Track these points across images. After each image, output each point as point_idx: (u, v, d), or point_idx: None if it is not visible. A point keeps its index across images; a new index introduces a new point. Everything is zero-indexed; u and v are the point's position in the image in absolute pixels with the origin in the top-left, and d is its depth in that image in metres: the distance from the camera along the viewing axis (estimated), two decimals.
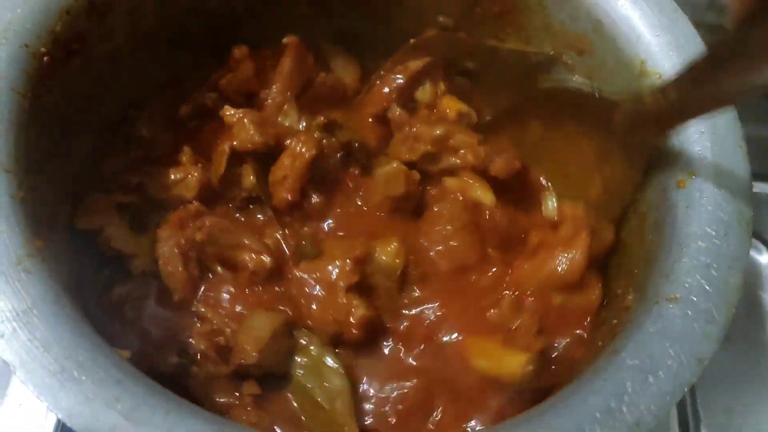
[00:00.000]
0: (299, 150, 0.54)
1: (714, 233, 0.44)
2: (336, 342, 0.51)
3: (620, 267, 0.53)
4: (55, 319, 0.37)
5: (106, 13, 0.51)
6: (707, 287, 0.43)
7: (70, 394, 0.35)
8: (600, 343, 0.47)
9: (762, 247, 0.76)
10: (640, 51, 0.52)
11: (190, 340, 0.50)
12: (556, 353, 0.52)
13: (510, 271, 0.54)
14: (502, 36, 0.63)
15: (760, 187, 0.79)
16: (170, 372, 0.47)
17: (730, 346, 0.71)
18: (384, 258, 0.53)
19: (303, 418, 0.48)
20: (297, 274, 0.53)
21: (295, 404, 0.49)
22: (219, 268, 0.53)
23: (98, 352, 0.37)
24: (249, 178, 0.55)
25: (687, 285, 0.43)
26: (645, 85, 0.51)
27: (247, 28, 0.62)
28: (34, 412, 0.57)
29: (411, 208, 0.57)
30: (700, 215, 0.45)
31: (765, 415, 0.68)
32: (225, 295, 0.53)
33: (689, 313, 0.42)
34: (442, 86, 0.62)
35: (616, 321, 0.47)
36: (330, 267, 0.52)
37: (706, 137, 0.48)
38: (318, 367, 0.49)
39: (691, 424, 0.66)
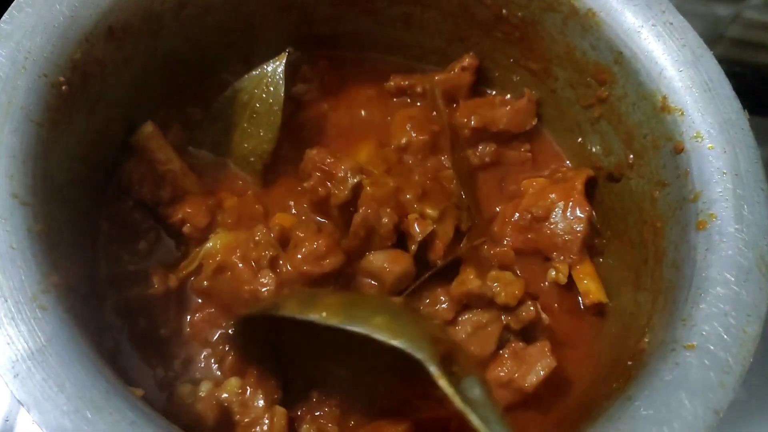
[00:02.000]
0: None
1: (733, 279, 0.44)
2: None
3: (636, 304, 0.53)
4: (69, 357, 0.37)
5: (125, 38, 0.51)
6: (725, 336, 0.42)
7: None
8: (614, 385, 0.47)
9: None
10: (661, 86, 0.51)
11: None
12: None
13: None
14: (523, 62, 0.62)
15: None
16: None
17: (746, 377, 0.71)
18: None
19: None
20: None
21: None
22: None
23: (112, 392, 0.37)
24: None
25: (704, 333, 0.42)
26: (666, 120, 0.51)
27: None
28: None
29: None
30: (720, 260, 0.45)
31: None
32: None
33: (706, 362, 0.41)
34: None
35: (630, 363, 0.47)
36: None
37: (728, 178, 0.47)
38: None
39: None
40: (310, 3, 0.62)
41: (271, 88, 0.57)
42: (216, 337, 0.52)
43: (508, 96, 0.65)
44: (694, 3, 0.88)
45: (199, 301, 0.53)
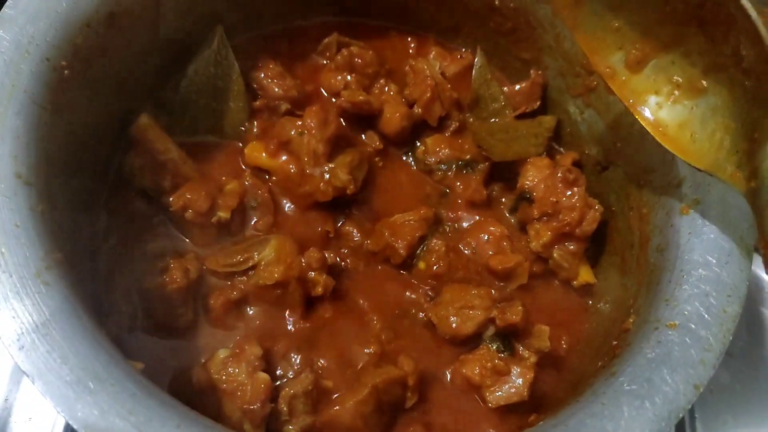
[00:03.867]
0: None
1: (715, 261, 0.45)
2: None
3: (623, 286, 0.54)
4: (72, 331, 0.38)
5: (125, 23, 0.52)
6: (705, 315, 0.44)
7: (85, 406, 0.36)
8: (600, 363, 0.49)
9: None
10: None
11: None
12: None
13: None
14: (515, 52, 0.64)
15: None
16: None
17: (731, 362, 0.73)
18: None
19: None
20: None
21: None
22: None
23: (113, 365, 0.38)
24: None
25: (686, 312, 0.44)
26: None
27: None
28: (43, 425, 0.59)
29: None
30: (703, 243, 0.46)
31: (763, 427, 0.69)
32: None
33: (687, 340, 0.43)
34: None
35: (615, 342, 0.48)
36: None
37: None
38: None
39: None
40: None
41: (223, 62, 0.59)
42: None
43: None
44: None
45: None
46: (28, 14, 0.46)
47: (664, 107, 0.47)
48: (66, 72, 0.47)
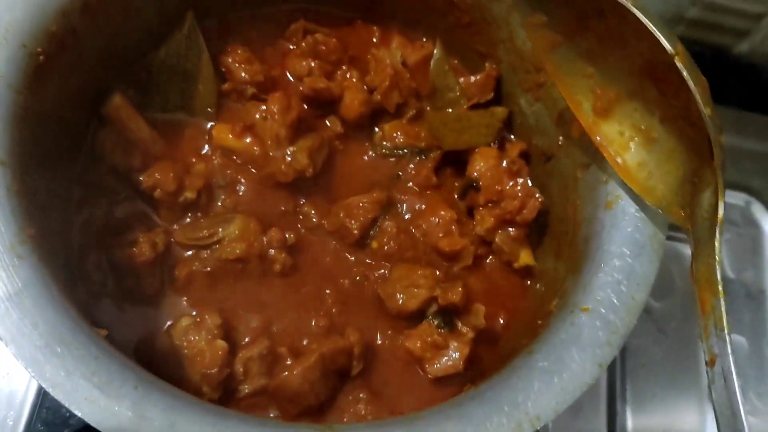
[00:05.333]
0: None
1: (629, 252, 0.50)
2: None
3: (555, 270, 0.59)
4: (42, 300, 0.43)
5: (100, 10, 0.55)
6: (615, 301, 0.49)
7: (53, 368, 0.41)
8: (524, 341, 0.54)
9: None
10: None
11: None
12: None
13: None
14: (472, 44, 0.67)
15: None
16: None
17: (664, 339, 0.79)
18: None
19: None
20: None
21: None
22: None
23: (79, 331, 0.43)
24: None
25: (599, 298, 0.49)
26: None
27: None
28: (20, 381, 0.65)
29: None
30: (620, 235, 0.51)
31: (688, 402, 0.76)
32: None
33: (597, 323, 0.48)
34: None
35: (540, 322, 0.54)
36: None
37: None
38: None
39: (618, 406, 0.73)
40: None
41: (193, 47, 0.62)
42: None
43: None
44: None
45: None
46: (6, 3, 0.49)
47: (627, 148, 0.53)
48: (41, 57, 0.50)
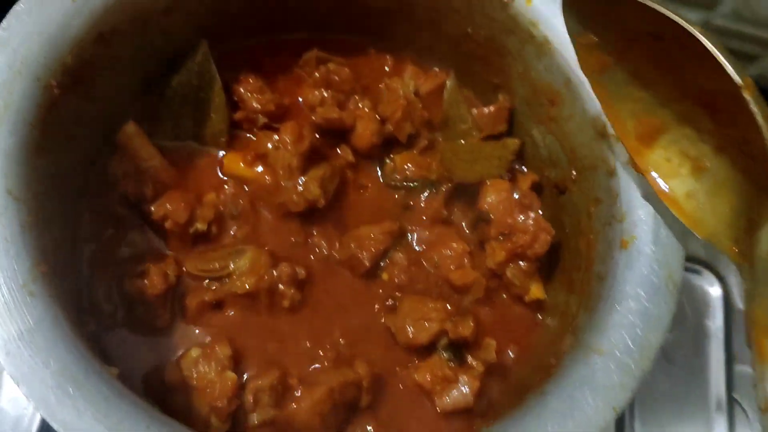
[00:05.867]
0: None
1: (644, 295, 0.50)
2: None
3: (567, 305, 0.59)
4: (54, 338, 0.43)
5: (113, 41, 0.55)
6: (630, 344, 0.48)
7: (64, 408, 0.41)
8: (536, 378, 0.53)
9: (713, 278, 0.81)
10: (602, 114, 0.56)
11: None
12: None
13: None
14: (485, 75, 0.67)
15: None
16: None
17: (673, 369, 0.78)
18: None
19: None
20: None
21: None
22: None
23: (91, 371, 0.43)
24: None
25: (613, 340, 0.49)
26: (603, 145, 0.56)
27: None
28: (26, 405, 0.65)
29: None
30: (635, 277, 0.51)
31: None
32: None
33: (611, 366, 0.48)
34: None
35: (554, 361, 0.53)
36: None
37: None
38: None
39: None
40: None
41: (206, 75, 0.62)
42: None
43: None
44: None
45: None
46: (21, 36, 0.49)
47: (674, 175, 0.51)
48: (56, 90, 0.50)
